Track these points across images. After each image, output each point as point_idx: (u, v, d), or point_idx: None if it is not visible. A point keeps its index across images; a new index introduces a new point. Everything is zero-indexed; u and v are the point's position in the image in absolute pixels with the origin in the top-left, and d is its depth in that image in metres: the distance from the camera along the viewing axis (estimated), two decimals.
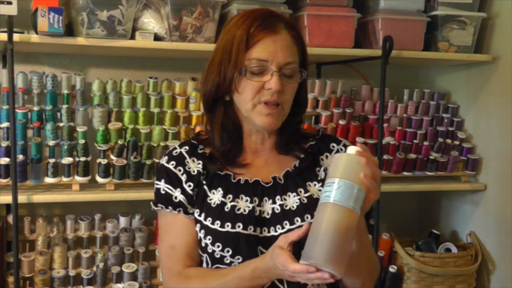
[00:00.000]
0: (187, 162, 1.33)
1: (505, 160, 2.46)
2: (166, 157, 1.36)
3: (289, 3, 2.27)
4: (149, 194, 2.20)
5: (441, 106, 2.71)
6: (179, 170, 1.32)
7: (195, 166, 1.32)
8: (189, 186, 1.31)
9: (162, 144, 2.28)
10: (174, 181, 1.32)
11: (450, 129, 2.65)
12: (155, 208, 1.35)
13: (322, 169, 1.34)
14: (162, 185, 1.33)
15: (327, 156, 1.36)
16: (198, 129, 2.31)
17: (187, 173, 1.32)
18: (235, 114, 1.32)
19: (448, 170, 2.60)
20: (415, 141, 2.57)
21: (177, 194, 1.31)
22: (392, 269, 2.47)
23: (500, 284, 2.52)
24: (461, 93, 2.75)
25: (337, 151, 1.37)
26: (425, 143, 2.57)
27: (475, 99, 2.65)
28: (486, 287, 2.60)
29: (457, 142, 2.63)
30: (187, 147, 1.36)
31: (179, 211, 1.31)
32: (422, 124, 2.63)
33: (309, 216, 1.26)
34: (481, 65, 2.58)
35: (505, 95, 2.44)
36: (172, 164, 1.33)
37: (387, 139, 2.51)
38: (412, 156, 2.54)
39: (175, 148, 1.37)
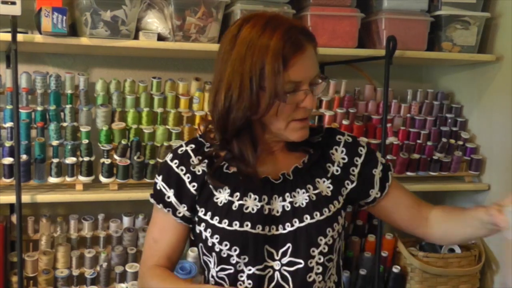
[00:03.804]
0: (192, 161, 1.32)
1: (509, 160, 2.45)
2: (171, 155, 1.35)
3: (293, 3, 2.27)
4: None
5: (445, 106, 2.71)
6: (182, 170, 1.31)
7: (200, 165, 1.31)
8: (193, 186, 1.30)
9: (165, 144, 2.28)
10: (171, 181, 1.32)
11: (454, 129, 2.65)
12: (151, 199, 1.36)
13: (335, 164, 1.34)
14: (159, 181, 1.34)
15: (336, 149, 1.36)
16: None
17: (191, 172, 1.31)
18: (251, 127, 1.28)
19: (451, 170, 2.60)
20: (418, 141, 2.57)
21: (170, 195, 1.32)
22: (396, 269, 2.47)
23: (504, 285, 2.51)
24: (465, 93, 2.75)
25: (345, 142, 1.36)
26: (429, 143, 2.57)
27: (478, 99, 2.64)
28: (490, 287, 2.59)
29: (460, 142, 2.63)
30: (193, 145, 1.34)
31: (168, 211, 1.32)
32: (426, 124, 2.63)
33: (317, 214, 1.26)
34: (484, 65, 2.57)
35: (509, 95, 2.43)
36: (175, 163, 1.32)
37: (391, 139, 2.51)
38: (416, 156, 2.54)
39: (181, 146, 1.36)
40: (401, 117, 2.62)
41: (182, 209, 1.31)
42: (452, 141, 2.61)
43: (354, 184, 1.35)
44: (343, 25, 2.32)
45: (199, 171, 1.31)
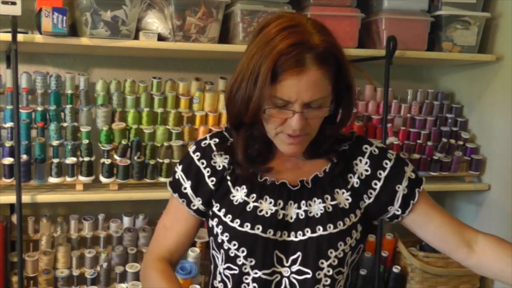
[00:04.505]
0: (214, 155, 1.30)
1: (509, 160, 2.45)
2: (194, 147, 1.33)
3: (293, 3, 2.27)
4: (153, 194, 2.22)
5: (445, 106, 2.71)
6: (202, 163, 1.30)
7: (221, 160, 1.29)
8: (212, 181, 1.29)
9: (165, 144, 2.28)
10: (191, 173, 1.31)
11: (454, 129, 2.65)
12: (168, 187, 1.36)
13: (355, 176, 1.29)
14: (179, 170, 1.33)
15: (360, 160, 1.29)
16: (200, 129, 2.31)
17: (212, 167, 1.29)
18: (262, 125, 1.25)
19: (451, 170, 2.59)
20: (418, 141, 2.57)
21: (187, 186, 1.31)
22: (396, 269, 2.47)
23: (504, 285, 2.51)
24: (465, 93, 2.75)
25: (370, 153, 1.30)
26: (429, 143, 2.57)
27: (479, 99, 2.64)
28: (490, 287, 2.59)
29: (461, 142, 2.63)
30: (216, 139, 1.32)
31: (183, 201, 1.32)
32: (426, 124, 2.63)
33: (331, 226, 1.22)
34: (485, 65, 2.57)
35: (509, 95, 2.43)
36: (197, 156, 1.31)
37: (391, 139, 2.51)
38: (416, 156, 2.53)
39: (205, 139, 1.34)
40: (401, 117, 2.62)
41: (197, 202, 1.31)
42: (452, 141, 2.61)
43: (371, 199, 1.29)
44: (343, 25, 2.32)
45: (219, 166, 1.29)
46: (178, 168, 1.33)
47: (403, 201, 1.30)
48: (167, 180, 1.36)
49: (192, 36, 2.17)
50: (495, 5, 2.52)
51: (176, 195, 1.33)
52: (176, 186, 1.33)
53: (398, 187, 1.29)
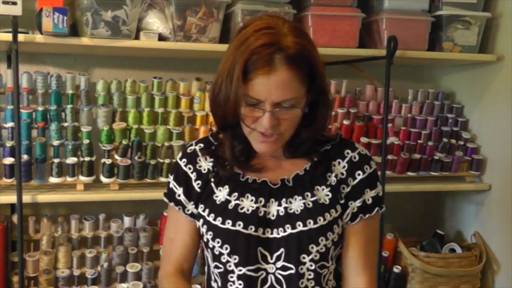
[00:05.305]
0: (199, 160, 1.34)
1: (510, 160, 2.45)
2: (181, 154, 1.38)
3: (294, 3, 2.27)
4: (153, 194, 2.22)
5: (446, 106, 2.71)
6: (189, 168, 1.34)
7: (206, 164, 1.33)
8: (198, 184, 1.33)
9: (166, 144, 2.28)
10: (181, 179, 1.34)
11: (455, 129, 2.65)
12: (164, 199, 1.39)
13: (333, 175, 1.30)
14: (171, 180, 1.37)
15: (339, 163, 1.31)
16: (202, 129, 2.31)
17: (197, 171, 1.33)
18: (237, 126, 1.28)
19: (452, 170, 2.59)
20: (419, 141, 2.57)
21: (180, 192, 1.34)
22: (397, 269, 2.47)
23: (505, 285, 2.51)
24: (466, 93, 2.75)
25: (350, 159, 1.31)
26: (430, 143, 2.57)
27: (479, 99, 2.64)
28: (491, 287, 2.59)
29: (461, 142, 2.63)
30: (202, 145, 1.37)
31: (179, 208, 1.34)
32: (427, 124, 2.63)
33: (311, 221, 1.24)
34: (485, 65, 2.57)
35: (510, 94, 2.43)
36: (184, 162, 1.35)
37: (392, 139, 2.51)
38: (417, 156, 2.53)
39: (191, 145, 1.38)
40: (402, 117, 2.62)
41: (191, 207, 1.34)
42: (453, 141, 2.61)
43: (343, 201, 1.30)
44: (343, 25, 2.32)
45: (204, 169, 1.33)
46: (170, 178, 1.37)
47: (352, 215, 1.30)
48: (168, 180, 1.37)
49: (193, 36, 2.17)
50: (495, 5, 2.52)
51: (172, 204, 1.36)
52: (171, 195, 1.36)
53: (351, 203, 1.30)
